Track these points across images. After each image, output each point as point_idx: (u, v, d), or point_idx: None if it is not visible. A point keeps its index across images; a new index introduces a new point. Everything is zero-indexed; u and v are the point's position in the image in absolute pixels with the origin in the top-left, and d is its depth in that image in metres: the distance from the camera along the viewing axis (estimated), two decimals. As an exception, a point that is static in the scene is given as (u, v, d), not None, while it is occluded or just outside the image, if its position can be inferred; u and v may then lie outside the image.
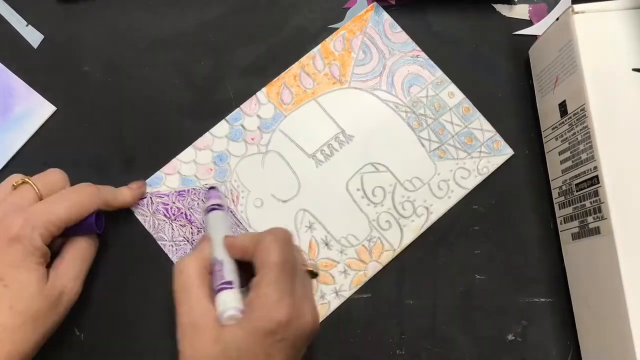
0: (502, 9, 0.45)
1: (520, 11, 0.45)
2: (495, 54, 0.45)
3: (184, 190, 0.41)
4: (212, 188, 0.40)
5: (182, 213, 0.41)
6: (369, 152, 0.42)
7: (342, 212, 0.41)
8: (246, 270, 0.34)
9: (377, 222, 0.41)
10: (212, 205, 0.38)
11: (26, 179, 0.35)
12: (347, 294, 0.40)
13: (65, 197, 0.35)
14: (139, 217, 0.41)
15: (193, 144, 0.42)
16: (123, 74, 0.43)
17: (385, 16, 0.44)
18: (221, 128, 0.42)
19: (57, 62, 0.43)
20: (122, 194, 0.39)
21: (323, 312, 0.40)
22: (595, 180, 0.36)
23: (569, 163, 0.39)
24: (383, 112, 0.43)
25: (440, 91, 0.43)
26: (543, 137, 0.42)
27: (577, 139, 0.37)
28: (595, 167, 0.35)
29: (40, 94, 0.42)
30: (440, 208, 0.41)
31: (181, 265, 0.33)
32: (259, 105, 0.43)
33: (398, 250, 0.41)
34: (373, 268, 0.40)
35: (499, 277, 0.41)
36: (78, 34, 0.43)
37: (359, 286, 0.40)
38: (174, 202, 0.41)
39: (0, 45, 0.43)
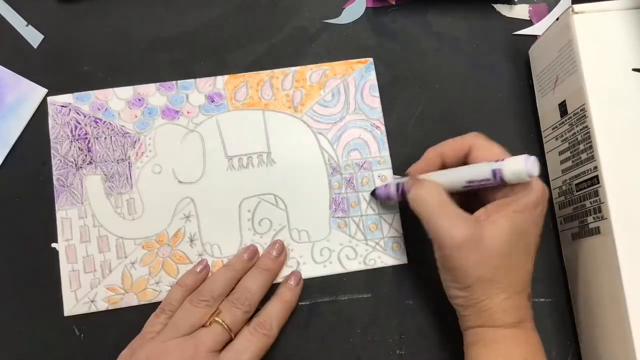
0: (502, 9, 0.45)
1: (520, 11, 0.45)
2: (495, 54, 0.45)
3: (100, 120, 0.41)
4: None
5: (86, 138, 0.41)
6: (280, 184, 0.41)
7: (222, 222, 0.41)
8: None
9: None
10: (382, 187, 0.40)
11: (217, 319, 0.35)
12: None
13: (251, 345, 0.35)
14: (50, 120, 0.41)
15: (135, 86, 0.42)
16: (123, 74, 0.43)
17: (372, 75, 0.43)
18: (168, 87, 0.42)
19: (57, 62, 0.43)
20: (287, 310, 0.38)
21: (152, 295, 0.39)
22: (595, 180, 0.36)
23: (569, 163, 0.39)
24: (314, 157, 0.42)
25: (376, 170, 0.42)
26: (543, 137, 0.42)
27: (577, 139, 0.37)
28: (595, 167, 0.35)
29: (40, 94, 0.42)
30: (310, 271, 0.40)
31: (421, 192, 0.34)
32: (213, 88, 0.43)
33: None
34: None
35: (499, 277, 0.41)
36: (78, 34, 0.43)
37: None
38: (86, 125, 0.41)
39: (0, 45, 0.43)
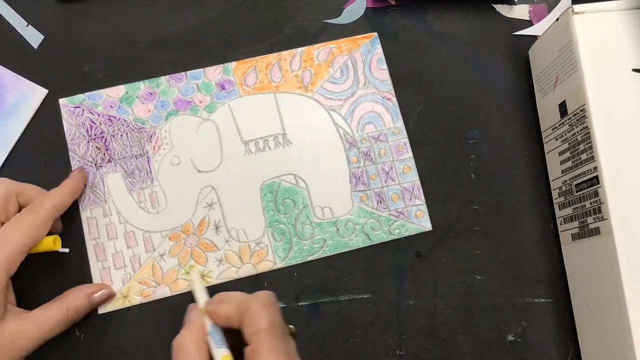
0: (502, 9, 0.45)
1: (520, 11, 0.45)
2: (495, 54, 0.45)
3: (115, 117, 0.42)
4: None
5: (103, 137, 0.41)
6: (298, 163, 0.42)
7: (245, 206, 0.41)
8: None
9: (273, 231, 0.41)
10: None
11: None
12: (211, 281, 0.40)
13: (20, 222, 0.35)
14: (65, 123, 0.41)
15: (146, 80, 0.42)
16: (123, 74, 0.43)
17: (378, 49, 0.44)
18: (178, 78, 0.43)
19: (57, 62, 0.43)
20: (65, 193, 0.38)
21: (184, 285, 0.40)
22: (595, 180, 0.36)
23: (569, 163, 0.39)
24: (330, 134, 0.42)
25: (392, 141, 0.42)
26: (543, 137, 0.42)
27: (577, 139, 0.37)
28: (595, 167, 0.35)
29: (40, 94, 0.42)
30: (337, 246, 0.41)
31: (180, 341, 0.33)
32: (222, 75, 0.43)
33: (278, 266, 0.40)
34: (247, 270, 0.40)
35: (499, 277, 0.41)
36: (78, 34, 0.43)
37: (225, 280, 0.40)
38: (101, 124, 0.42)
39: (0, 45, 0.43)
